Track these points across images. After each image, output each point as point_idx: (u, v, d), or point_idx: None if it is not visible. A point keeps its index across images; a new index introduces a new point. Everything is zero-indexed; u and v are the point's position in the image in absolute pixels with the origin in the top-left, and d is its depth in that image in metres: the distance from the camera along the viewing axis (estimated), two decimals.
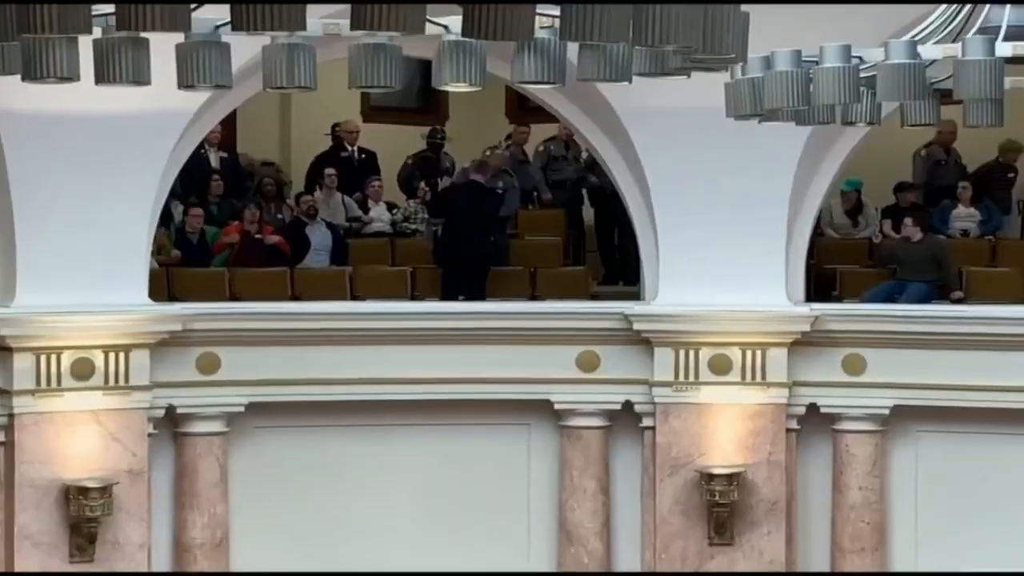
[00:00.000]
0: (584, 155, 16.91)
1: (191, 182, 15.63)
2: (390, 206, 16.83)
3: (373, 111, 18.97)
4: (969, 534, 13.91)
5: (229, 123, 16.59)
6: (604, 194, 16.33)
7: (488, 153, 16.80)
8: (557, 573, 14.31)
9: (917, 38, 7.26)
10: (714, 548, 13.99)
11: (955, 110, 7.56)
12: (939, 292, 14.81)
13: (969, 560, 13.85)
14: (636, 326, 13.98)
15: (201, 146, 15.42)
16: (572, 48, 5.10)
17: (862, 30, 11.06)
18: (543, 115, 15.96)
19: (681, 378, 13.95)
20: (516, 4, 4.59)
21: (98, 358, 13.19)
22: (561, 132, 17.08)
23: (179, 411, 13.77)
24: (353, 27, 4.58)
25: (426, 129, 18.02)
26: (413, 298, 15.22)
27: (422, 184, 16.81)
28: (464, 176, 16.23)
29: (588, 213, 17.25)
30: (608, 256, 16.81)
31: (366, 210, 16.62)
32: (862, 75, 7.05)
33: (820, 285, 15.12)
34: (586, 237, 17.03)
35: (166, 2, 4.42)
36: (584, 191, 17.20)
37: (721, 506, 13.87)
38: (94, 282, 13.02)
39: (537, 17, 4.80)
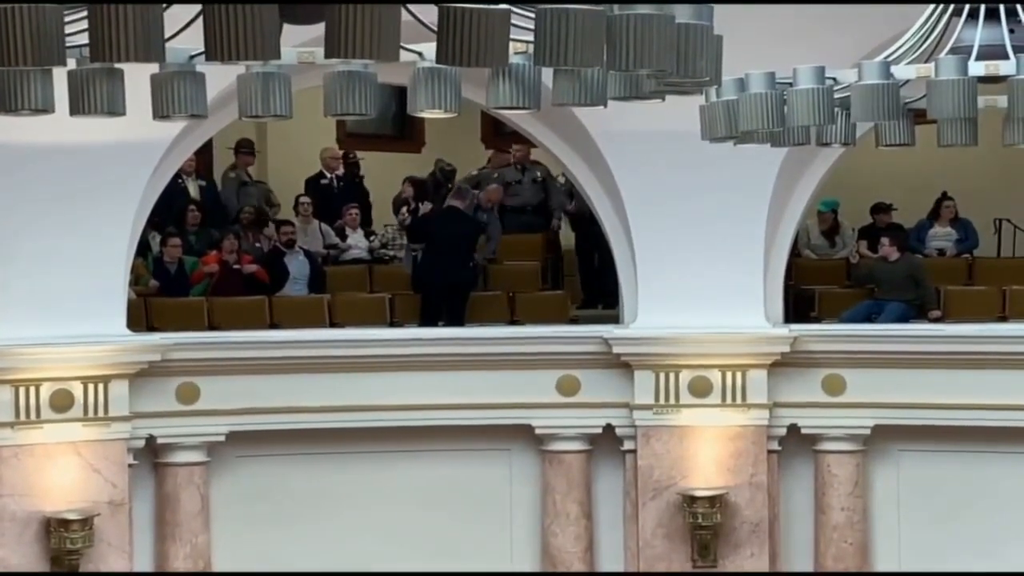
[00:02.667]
0: (562, 179, 16.93)
1: (169, 212, 15.63)
2: (368, 233, 16.84)
3: (349, 138, 18.99)
4: (952, 552, 13.92)
5: (205, 152, 16.62)
6: (583, 218, 16.35)
7: (467, 180, 16.84)
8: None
9: (890, 58, 7.28)
10: (698, 570, 13.97)
11: (929, 129, 7.59)
12: (917, 311, 14.85)
13: None
14: (616, 349, 13.99)
15: (179, 176, 15.43)
16: (547, 73, 5.11)
17: (836, 51, 11.10)
18: (519, 140, 16.01)
19: (661, 401, 13.96)
20: (490, 30, 4.60)
21: (77, 389, 13.16)
22: (514, 155, 17.10)
23: (159, 441, 13.74)
24: (327, 55, 4.58)
25: (410, 155, 18.02)
26: (392, 325, 15.21)
27: (403, 209, 16.82)
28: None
29: (565, 238, 17.29)
30: (588, 280, 16.81)
31: (343, 237, 16.62)
32: (836, 96, 7.08)
33: (798, 306, 15.15)
34: (564, 261, 17.05)
35: None
36: (560, 216, 17.24)
37: (704, 528, 13.87)
38: (72, 313, 12.99)
39: (511, 43, 4.81)
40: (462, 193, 16.07)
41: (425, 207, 16.70)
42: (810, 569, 14.23)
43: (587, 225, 16.18)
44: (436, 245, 15.38)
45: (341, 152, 18.03)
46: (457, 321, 15.00)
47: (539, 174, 17.05)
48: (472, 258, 15.54)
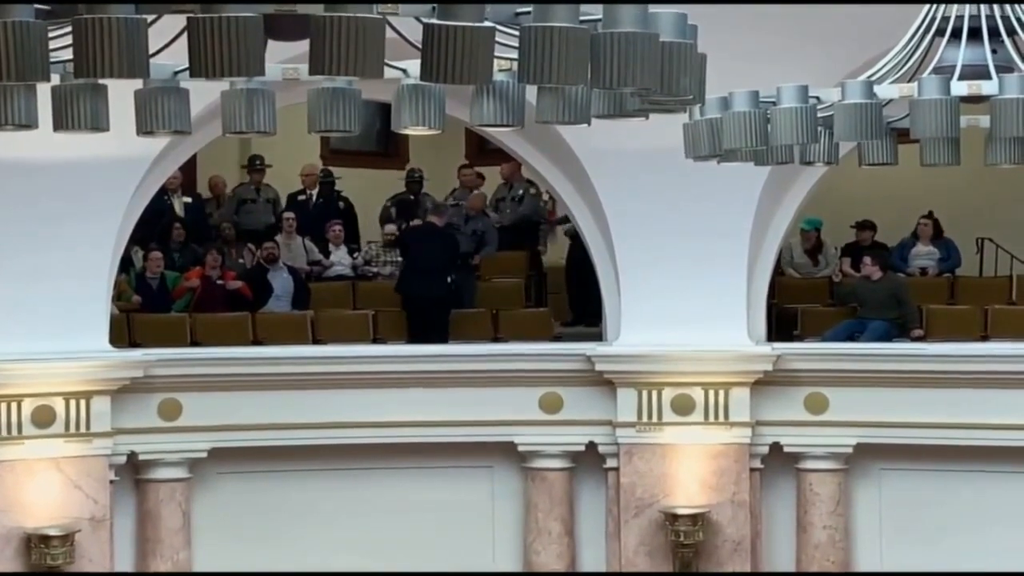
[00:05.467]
0: (545, 196, 16.97)
1: (152, 228, 15.61)
2: (351, 249, 16.84)
3: (333, 154, 19.00)
4: (933, 571, 13.91)
5: (189, 168, 16.61)
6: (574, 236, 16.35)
7: (450, 198, 16.90)
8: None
9: (873, 78, 7.31)
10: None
11: (912, 149, 7.61)
12: (899, 330, 14.87)
13: None
14: (598, 367, 13.98)
15: (164, 192, 15.40)
16: (531, 90, 5.12)
17: (819, 70, 11.13)
18: (504, 157, 16.02)
19: (644, 419, 13.96)
20: (474, 48, 4.61)
21: (59, 405, 13.13)
22: (502, 171, 17.13)
23: (141, 457, 13.70)
24: (312, 72, 4.59)
25: (394, 172, 18.08)
26: (375, 341, 15.20)
27: (388, 226, 16.83)
28: (458, 221, 16.37)
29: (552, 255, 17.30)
30: (573, 297, 16.77)
31: (327, 254, 16.61)
32: (819, 115, 7.10)
33: (781, 324, 15.16)
34: (547, 279, 17.05)
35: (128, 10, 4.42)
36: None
37: (686, 546, 13.86)
38: (54, 329, 12.97)
39: (495, 60, 4.82)
40: (440, 209, 16.11)
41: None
42: None
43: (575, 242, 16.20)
44: (413, 260, 15.41)
45: (318, 169, 18.03)
46: (440, 336, 14.98)
47: (521, 192, 17.08)
48: (450, 273, 15.53)
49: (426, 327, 15.10)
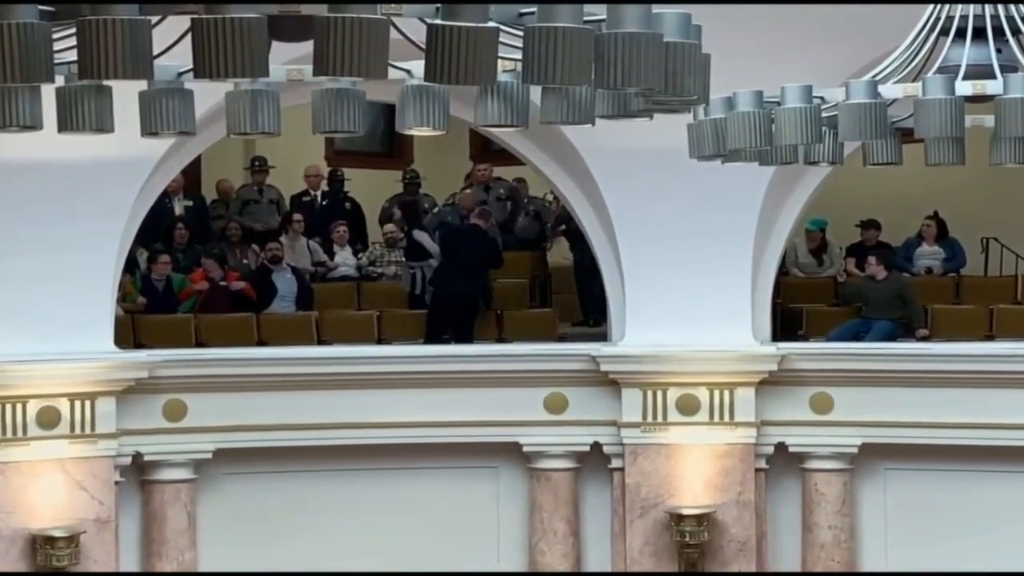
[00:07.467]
0: (551, 196, 16.95)
1: (154, 231, 15.62)
2: (356, 250, 16.84)
3: (338, 155, 19.00)
4: (939, 571, 13.91)
5: (193, 169, 16.62)
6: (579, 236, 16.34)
7: (460, 194, 16.90)
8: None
9: (878, 77, 7.30)
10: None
11: (917, 148, 7.60)
12: (904, 330, 14.87)
13: None
14: (603, 367, 13.98)
15: (165, 196, 15.40)
16: (535, 91, 5.12)
17: (823, 70, 11.12)
18: (508, 157, 16.02)
19: (649, 419, 13.96)
20: (478, 48, 4.61)
21: (64, 406, 13.13)
22: (478, 174, 17.12)
23: (146, 458, 13.71)
24: (316, 73, 4.59)
25: (398, 173, 18.08)
26: (380, 342, 15.20)
27: (388, 226, 16.83)
28: (453, 219, 16.33)
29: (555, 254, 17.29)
30: (584, 298, 16.72)
31: (331, 255, 16.61)
32: (824, 115, 7.09)
33: (786, 324, 15.16)
34: (552, 279, 17.03)
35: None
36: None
37: (691, 547, 13.86)
38: (59, 330, 12.97)
39: (500, 61, 4.82)
40: (485, 213, 16.10)
41: (421, 235, 16.74)
42: None
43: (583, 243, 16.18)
44: (452, 259, 15.37)
45: (328, 169, 18.05)
46: (465, 337, 14.98)
47: (503, 191, 17.09)
48: (485, 276, 15.54)
49: (452, 327, 15.09)
